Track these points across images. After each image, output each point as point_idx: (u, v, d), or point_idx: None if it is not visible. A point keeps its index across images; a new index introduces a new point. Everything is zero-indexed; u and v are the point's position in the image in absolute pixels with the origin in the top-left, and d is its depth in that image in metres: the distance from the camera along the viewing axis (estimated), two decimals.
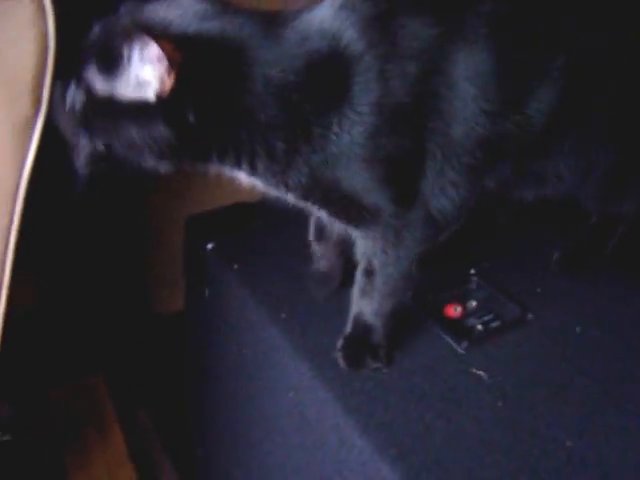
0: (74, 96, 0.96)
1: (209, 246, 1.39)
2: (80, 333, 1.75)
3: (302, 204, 1.11)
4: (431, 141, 1.05)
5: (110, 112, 0.95)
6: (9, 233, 0.98)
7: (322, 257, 1.28)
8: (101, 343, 1.81)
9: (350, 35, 1.00)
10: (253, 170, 1.04)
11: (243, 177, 1.08)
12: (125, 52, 0.91)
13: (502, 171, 1.15)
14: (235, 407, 1.39)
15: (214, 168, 1.07)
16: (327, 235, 1.26)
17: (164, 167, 1.01)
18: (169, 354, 1.75)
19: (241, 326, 1.30)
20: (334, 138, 1.00)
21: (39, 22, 0.92)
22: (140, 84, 0.92)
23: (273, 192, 1.10)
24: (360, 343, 1.16)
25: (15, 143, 0.95)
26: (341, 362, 1.14)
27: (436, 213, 1.12)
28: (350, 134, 1.00)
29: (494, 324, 1.24)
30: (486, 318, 1.25)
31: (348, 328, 1.18)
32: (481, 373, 1.14)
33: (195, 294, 1.46)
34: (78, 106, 0.96)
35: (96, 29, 0.96)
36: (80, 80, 0.96)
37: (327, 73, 1.00)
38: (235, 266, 1.34)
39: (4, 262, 1.00)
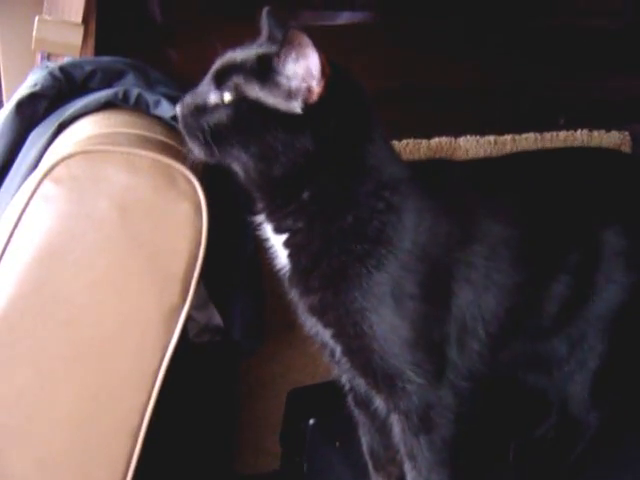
0: (209, 98, 1.02)
1: (311, 422, 1.42)
2: None
3: (324, 337, 1.12)
4: (460, 308, 1.09)
5: (256, 117, 0.99)
6: (145, 410, 1.04)
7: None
8: None
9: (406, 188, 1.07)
10: (301, 246, 1.06)
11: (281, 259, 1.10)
12: (284, 53, 0.97)
13: (513, 348, 1.19)
14: None
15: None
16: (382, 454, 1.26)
17: (275, 182, 1.03)
18: None
19: None
20: (368, 270, 1.04)
21: (195, 221, 1.01)
22: (291, 92, 0.98)
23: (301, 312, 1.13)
24: None
25: (162, 329, 1.02)
26: None
27: (463, 389, 1.11)
28: (382, 272, 1.04)
29: None
30: None
31: None
32: None
33: (292, 466, 1.48)
34: (211, 108, 1.02)
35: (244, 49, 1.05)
36: (224, 86, 1.01)
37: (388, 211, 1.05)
38: (337, 444, 1.36)
39: (137, 436, 1.05)
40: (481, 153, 1.82)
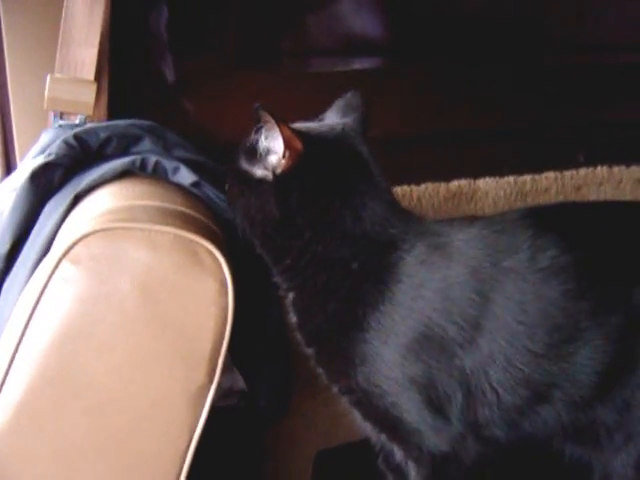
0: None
1: None
2: None
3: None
4: (469, 375, 1.06)
5: (243, 184, 1.11)
6: None
7: None
8: None
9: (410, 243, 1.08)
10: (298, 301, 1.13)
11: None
12: (255, 130, 1.07)
13: (544, 418, 1.12)
14: None
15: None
16: None
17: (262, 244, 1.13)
18: None
19: None
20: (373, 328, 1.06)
21: (220, 298, 0.98)
22: (265, 165, 1.07)
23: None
24: None
25: (189, 411, 0.99)
26: None
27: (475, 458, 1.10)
28: (386, 335, 1.05)
29: None
30: None
31: None
32: None
33: None
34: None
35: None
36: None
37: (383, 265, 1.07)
38: None
39: None
40: (501, 194, 1.79)
